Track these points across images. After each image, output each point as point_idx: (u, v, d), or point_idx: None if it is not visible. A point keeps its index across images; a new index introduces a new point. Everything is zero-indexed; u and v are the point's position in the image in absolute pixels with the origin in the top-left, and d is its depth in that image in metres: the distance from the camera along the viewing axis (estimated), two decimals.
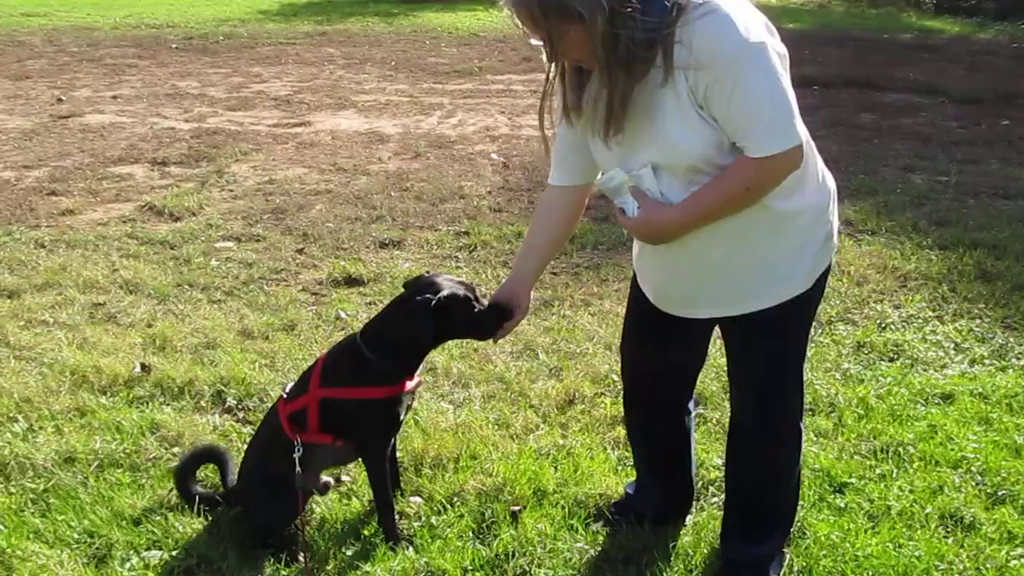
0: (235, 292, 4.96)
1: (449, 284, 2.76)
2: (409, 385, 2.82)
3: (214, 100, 10.13)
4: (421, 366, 2.87)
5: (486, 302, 2.80)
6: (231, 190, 6.87)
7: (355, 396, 2.80)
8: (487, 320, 2.77)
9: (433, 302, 2.66)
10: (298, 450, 2.75)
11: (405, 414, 2.93)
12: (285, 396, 2.90)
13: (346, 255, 5.48)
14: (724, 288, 2.46)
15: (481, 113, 9.44)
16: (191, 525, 2.97)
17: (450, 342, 4.13)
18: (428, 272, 2.92)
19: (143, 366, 4.02)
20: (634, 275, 2.75)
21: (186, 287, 5.02)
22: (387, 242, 5.70)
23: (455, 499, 3.09)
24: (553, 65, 2.28)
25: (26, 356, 4.17)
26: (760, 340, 2.55)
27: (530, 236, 2.80)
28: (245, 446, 3.22)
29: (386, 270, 5.24)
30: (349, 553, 2.86)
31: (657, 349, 2.77)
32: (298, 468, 2.74)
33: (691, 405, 2.98)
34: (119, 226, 6.05)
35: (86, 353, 4.17)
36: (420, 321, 2.68)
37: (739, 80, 2.13)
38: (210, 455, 3.21)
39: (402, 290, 2.92)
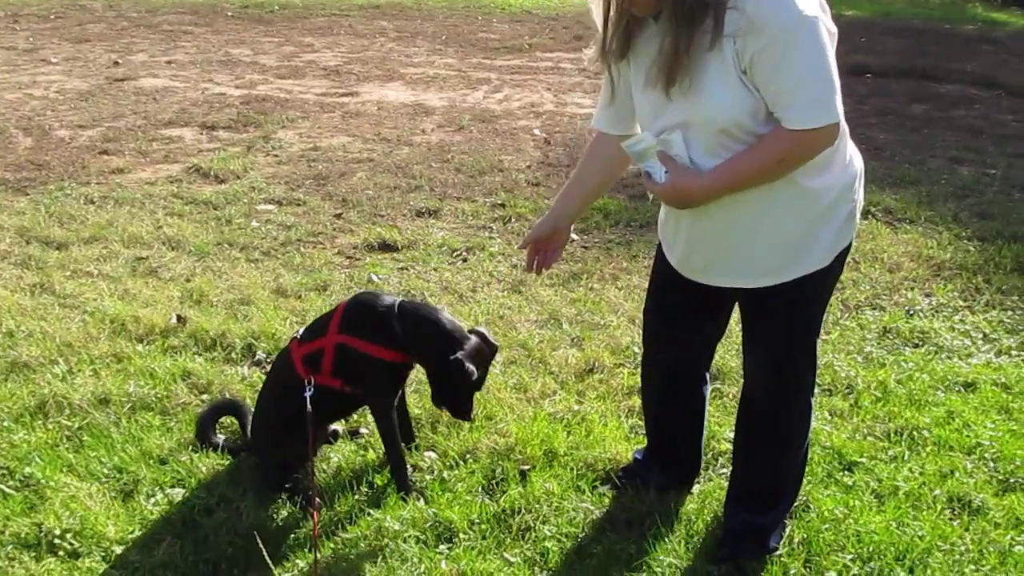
0: (272, 252, 5.09)
1: (479, 361, 2.89)
2: None
3: (265, 68, 10.29)
4: None
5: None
6: (276, 155, 7.01)
7: (370, 352, 2.90)
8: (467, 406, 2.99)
9: (465, 367, 2.83)
10: (309, 389, 2.85)
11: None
12: (299, 338, 3.00)
13: (383, 222, 5.58)
14: (744, 259, 2.49)
15: (527, 89, 9.47)
16: (213, 467, 3.10)
17: (478, 308, 4.24)
18: (480, 327, 3.05)
19: (179, 318, 4.16)
20: (659, 243, 2.79)
21: (226, 246, 5.16)
22: (424, 211, 5.79)
23: (468, 456, 3.17)
24: (613, 10, 2.29)
25: (70, 304, 4.34)
26: (775, 313, 2.59)
27: (577, 175, 2.81)
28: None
29: (420, 238, 5.33)
30: (362, 501, 2.97)
31: (678, 316, 2.83)
32: (309, 407, 2.82)
33: (708, 377, 3.02)
34: (166, 186, 6.22)
35: (126, 304, 4.32)
36: (449, 365, 2.84)
37: (788, 51, 2.16)
38: (229, 408, 3.36)
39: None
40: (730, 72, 2.22)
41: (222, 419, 3.38)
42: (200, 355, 3.88)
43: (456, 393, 2.95)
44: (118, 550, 2.73)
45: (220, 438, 3.25)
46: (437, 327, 2.91)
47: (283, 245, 5.19)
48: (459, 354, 2.82)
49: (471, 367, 2.82)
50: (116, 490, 3.01)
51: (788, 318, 2.60)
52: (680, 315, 2.82)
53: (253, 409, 3.24)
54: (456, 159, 6.89)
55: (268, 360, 3.85)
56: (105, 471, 3.09)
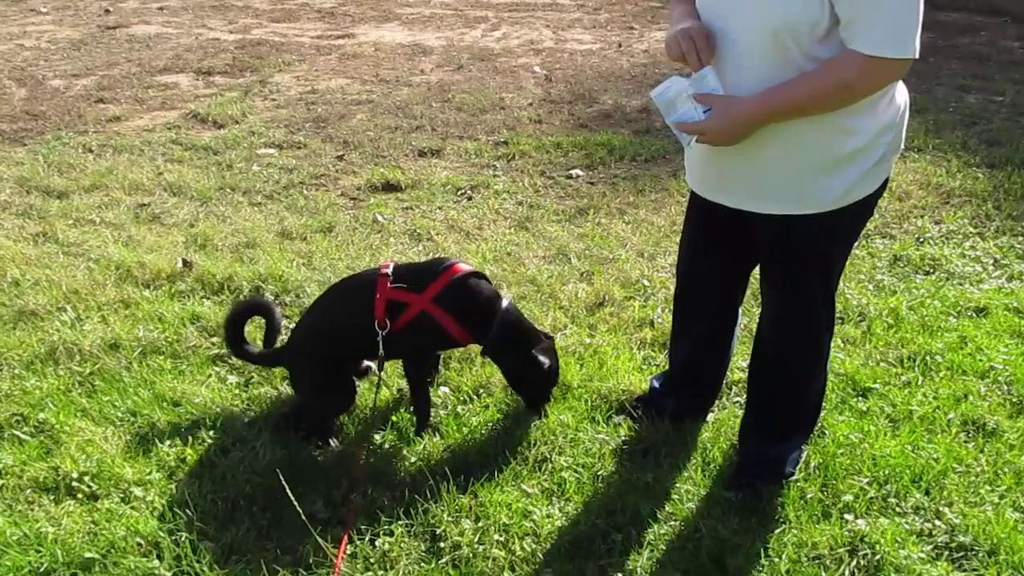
0: (275, 196, 5.04)
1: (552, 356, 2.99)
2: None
3: (259, 12, 10.11)
4: None
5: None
6: (274, 99, 6.92)
7: (452, 332, 2.86)
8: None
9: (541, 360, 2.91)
10: (382, 333, 2.81)
11: None
12: (389, 276, 2.88)
13: (385, 162, 5.53)
14: (764, 183, 2.40)
15: (526, 27, 9.31)
16: (228, 407, 3.10)
17: (485, 246, 4.21)
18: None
19: (185, 262, 4.13)
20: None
21: (228, 190, 5.11)
22: (426, 151, 5.73)
23: (481, 391, 3.17)
24: None
25: (74, 252, 4.31)
26: (790, 248, 2.51)
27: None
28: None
29: (424, 177, 5.27)
30: (377, 438, 2.97)
31: (710, 249, 2.78)
32: (381, 350, 2.80)
33: (740, 310, 2.98)
34: (164, 132, 6.14)
35: (131, 250, 4.29)
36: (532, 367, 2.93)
37: None
38: (258, 308, 3.19)
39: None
40: None
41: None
42: (208, 299, 3.86)
43: (536, 388, 3.01)
44: (137, 491, 2.74)
45: (252, 348, 3.12)
46: (522, 331, 2.94)
47: (286, 188, 5.14)
48: (547, 362, 2.91)
49: (548, 363, 2.92)
50: (131, 433, 3.01)
51: (802, 256, 2.52)
52: (713, 245, 2.76)
53: (290, 336, 3.14)
54: (457, 98, 6.80)
55: (277, 302, 3.83)
56: (119, 415, 3.09)
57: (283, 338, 3.23)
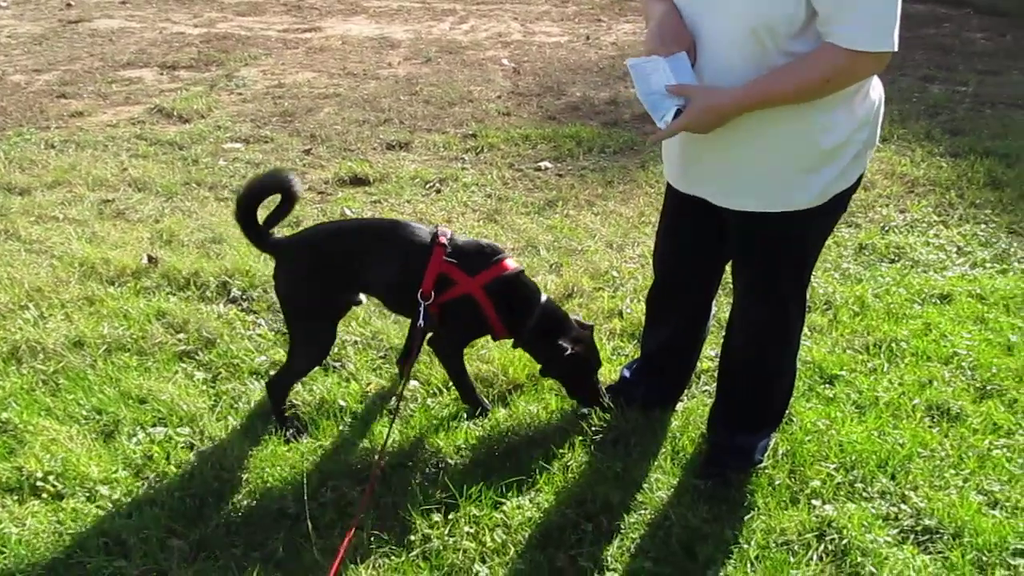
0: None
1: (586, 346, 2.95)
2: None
3: (224, 5, 10.01)
4: None
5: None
6: (240, 94, 6.85)
7: (490, 320, 2.84)
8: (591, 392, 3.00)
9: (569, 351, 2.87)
10: (423, 306, 2.76)
11: None
12: (445, 244, 2.80)
13: (353, 156, 5.49)
14: (741, 180, 2.40)
15: (494, 19, 9.29)
16: (195, 404, 3.07)
17: None
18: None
19: (150, 258, 4.09)
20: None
21: (194, 185, 5.06)
22: (394, 144, 5.70)
23: (450, 383, 3.16)
24: None
25: (36, 249, 4.25)
26: (764, 244, 2.51)
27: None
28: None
29: (392, 170, 5.25)
30: (347, 431, 2.96)
31: (686, 242, 2.78)
32: (421, 322, 2.76)
33: (714, 302, 3.00)
34: (128, 128, 6.07)
35: (95, 246, 4.24)
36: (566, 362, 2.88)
37: None
38: (277, 185, 2.85)
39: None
40: None
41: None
42: (174, 295, 3.82)
43: (581, 381, 2.98)
44: (103, 489, 2.71)
45: (274, 235, 2.87)
46: (559, 321, 2.93)
47: None
48: (568, 348, 2.85)
49: (574, 350, 2.86)
50: (96, 431, 2.97)
51: (776, 252, 2.53)
52: (688, 239, 2.77)
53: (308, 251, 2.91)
54: (425, 91, 6.77)
55: (244, 297, 3.81)
56: (84, 413, 3.04)
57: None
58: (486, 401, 3.06)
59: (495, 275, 2.83)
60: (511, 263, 2.90)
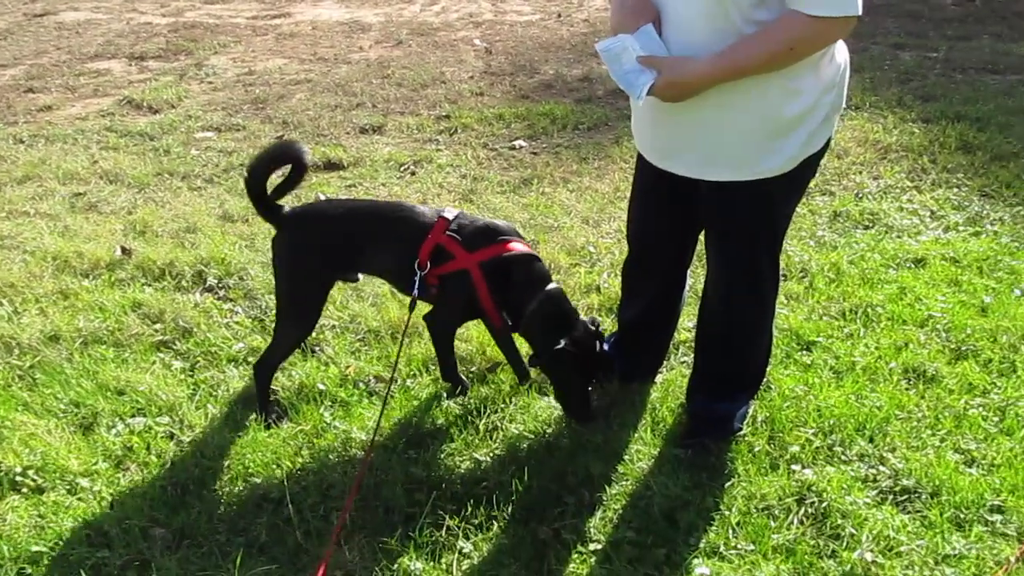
0: (215, 179, 4.96)
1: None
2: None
3: None
4: None
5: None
6: (210, 82, 6.79)
7: (483, 299, 2.78)
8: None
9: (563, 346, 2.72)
10: (420, 275, 2.73)
11: None
12: (449, 218, 2.77)
13: (326, 141, 5.46)
14: (706, 148, 2.41)
15: (465, 0, 9.23)
16: (173, 393, 3.06)
17: None
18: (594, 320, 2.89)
19: (124, 250, 4.06)
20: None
21: (166, 176, 5.02)
22: (367, 128, 5.67)
23: (430, 363, 3.16)
24: None
25: (8, 245, 4.20)
26: (737, 211, 2.52)
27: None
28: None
29: (366, 154, 5.22)
30: (327, 415, 2.95)
31: (659, 213, 2.78)
32: (416, 292, 2.74)
33: (688, 272, 3.01)
34: (98, 120, 6.00)
35: (68, 240, 4.20)
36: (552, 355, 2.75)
37: None
38: (288, 154, 2.85)
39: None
40: None
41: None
42: (149, 285, 3.80)
43: (567, 383, 2.82)
44: (83, 482, 2.70)
45: (283, 206, 2.85)
46: (561, 316, 2.81)
47: (225, 171, 5.05)
48: (561, 343, 2.71)
49: (566, 347, 2.72)
50: (75, 424, 2.95)
51: (749, 220, 2.54)
52: (662, 210, 2.77)
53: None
54: (397, 74, 6.73)
55: (220, 285, 3.79)
56: (62, 407, 3.03)
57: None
58: (465, 380, 3.05)
59: (495, 254, 2.77)
60: (518, 246, 2.81)
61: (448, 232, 2.75)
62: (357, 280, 3.11)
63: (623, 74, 2.31)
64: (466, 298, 2.80)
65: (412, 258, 2.75)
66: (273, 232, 2.89)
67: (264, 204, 2.83)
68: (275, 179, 2.85)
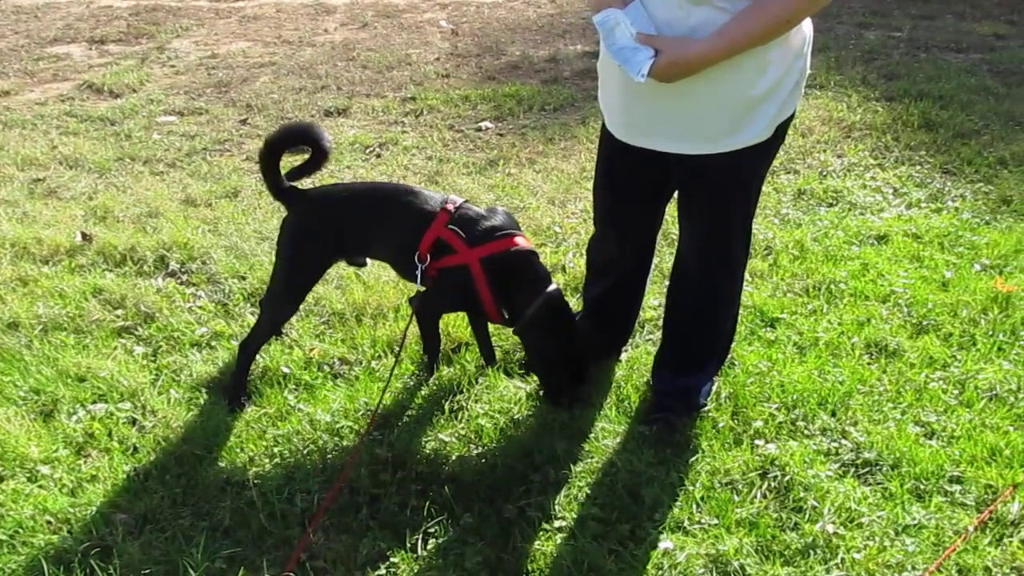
0: (178, 163, 4.90)
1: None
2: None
3: None
4: None
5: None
6: (172, 66, 6.69)
7: (482, 296, 2.73)
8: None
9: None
10: (421, 268, 2.71)
11: None
12: (451, 211, 2.73)
13: None
14: (684, 122, 2.41)
15: None
16: (135, 379, 3.02)
17: None
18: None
19: (84, 235, 4.00)
20: (603, 119, 2.69)
21: (127, 161, 4.95)
22: (332, 110, 5.62)
23: (395, 344, 3.15)
24: None
25: None
26: (713, 183, 2.54)
27: None
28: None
29: (331, 137, 5.17)
30: (291, 398, 2.93)
31: (627, 189, 2.77)
32: (419, 285, 2.73)
33: (654, 247, 3.00)
34: (57, 105, 5.90)
35: (27, 226, 4.13)
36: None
37: None
38: (302, 135, 2.87)
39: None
40: None
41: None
42: (110, 271, 3.74)
43: (557, 377, 2.81)
44: (44, 469, 2.66)
45: (294, 187, 2.83)
46: (563, 319, 2.79)
47: (188, 155, 4.99)
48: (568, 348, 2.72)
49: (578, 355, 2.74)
50: (35, 411, 2.91)
51: (725, 189, 2.55)
52: (629, 188, 2.76)
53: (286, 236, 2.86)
54: (362, 56, 6.67)
55: (183, 270, 3.74)
56: (21, 394, 2.98)
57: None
58: (435, 365, 3.03)
59: (497, 249, 2.71)
60: (521, 241, 2.75)
61: (450, 226, 2.71)
62: (365, 264, 3.10)
63: (618, 49, 2.29)
64: (460, 290, 2.76)
65: (413, 250, 2.72)
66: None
67: (275, 183, 2.81)
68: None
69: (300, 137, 2.86)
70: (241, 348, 2.94)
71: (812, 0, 2.19)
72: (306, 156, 2.84)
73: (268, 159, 2.79)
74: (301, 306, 3.07)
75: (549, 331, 2.76)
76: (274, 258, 2.94)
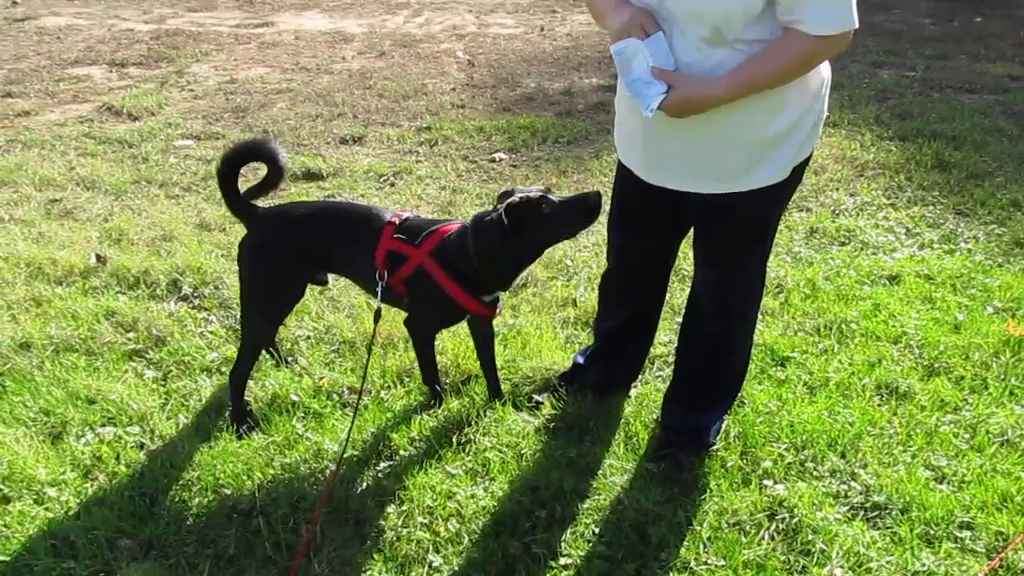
0: (193, 187, 4.94)
1: (521, 191, 2.72)
2: (498, 310, 2.85)
3: (174, 1, 9.87)
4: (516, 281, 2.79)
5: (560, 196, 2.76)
6: (191, 90, 6.77)
7: (448, 288, 2.73)
8: (572, 211, 2.70)
9: (501, 214, 2.63)
10: (381, 285, 2.72)
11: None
12: (396, 223, 2.77)
13: (306, 151, 5.45)
14: (700, 160, 2.43)
15: (449, 12, 9.26)
16: (145, 402, 3.03)
17: None
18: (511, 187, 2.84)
19: (98, 257, 4.02)
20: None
21: (144, 183, 4.99)
22: (348, 138, 5.66)
23: (404, 375, 3.15)
24: None
25: None
26: (729, 222, 2.55)
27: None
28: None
29: (346, 165, 5.22)
30: (299, 426, 2.93)
31: (641, 225, 2.79)
32: (379, 303, 2.74)
33: (667, 281, 3.00)
34: (76, 126, 5.97)
35: (42, 247, 4.16)
36: (497, 238, 2.67)
37: None
38: (256, 151, 2.88)
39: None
40: None
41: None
42: (123, 293, 3.77)
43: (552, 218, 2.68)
44: (50, 491, 2.66)
45: (255, 206, 2.87)
46: (481, 232, 2.70)
47: (204, 180, 5.03)
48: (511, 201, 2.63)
49: (522, 195, 2.64)
50: (44, 433, 2.92)
51: (740, 229, 2.57)
52: (644, 224, 2.78)
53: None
54: (379, 85, 6.73)
55: (195, 294, 3.76)
56: (31, 415, 2.99)
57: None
58: (442, 392, 3.03)
59: (438, 238, 2.75)
60: (451, 226, 2.79)
61: (396, 236, 2.75)
62: (326, 282, 3.10)
63: (632, 80, 2.31)
64: (432, 295, 2.76)
65: (370, 265, 2.76)
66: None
67: (234, 200, 2.85)
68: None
69: (255, 154, 2.88)
70: (230, 378, 2.95)
71: (826, 46, 2.20)
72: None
73: (225, 175, 2.82)
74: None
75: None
76: (238, 281, 2.93)
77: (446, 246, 2.74)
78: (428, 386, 3.01)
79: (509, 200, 2.67)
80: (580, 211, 2.69)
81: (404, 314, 2.92)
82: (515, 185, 2.77)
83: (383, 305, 2.83)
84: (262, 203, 2.94)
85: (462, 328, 3.39)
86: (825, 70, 2.45)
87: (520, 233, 2.65)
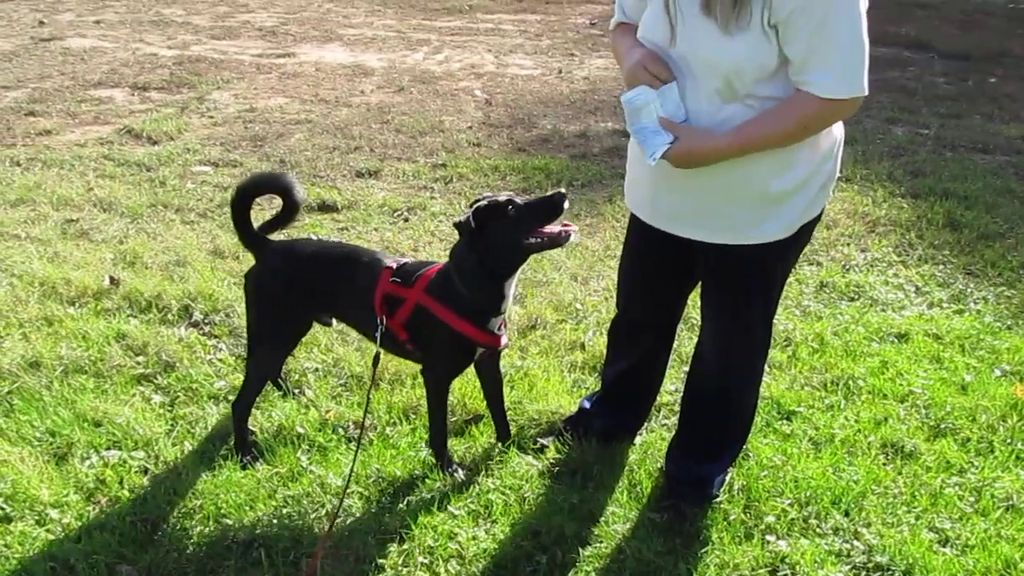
0: (209, 214, 4.98)
1: (490, 196, 2.72)
2: (503, 341, 2.83)
3: (198, 28, 10.01)
4: (507, 304, 2.76)
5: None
6: (211, 117, 6.85)
7: (452, 323, 2.71)
8: (536, 212, 2.68)
9: (469, 216, 2.63)
10: (380, 329, 2.73)
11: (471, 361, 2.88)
12: (394, 267, 2.80)
13: (322, 182, 5.50)
14: (707, 210, 2.46)
15: (468, 51, 9.36)
16: (151, 428, 3.04)
17: None
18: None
19: (112, 279, 4.06)
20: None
21: (160, 207, 5.04)
22: (364, 171, 5.72)
23: (410, 412, 3.16)
24: None
25: None
26: (734, 274, 2.57)
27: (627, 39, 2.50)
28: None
29: (361, 198, 5.26)
30: (304, 459, 2.94)
31: (651, 274, 2.81)
32: (379, 348, 2.75)
33: (676, 332, 3.03)
34: (96, 147, 6.04)
35: (56, 266, 4.20)
36: (467, 244, 2.67)
37: (831, 15, 2.13)
38: (272, 184, 2.94)
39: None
40: (755, 25, 2.16)
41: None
42: (135, 317, 3.79)
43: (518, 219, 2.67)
44: (53, 513, 2.67)
45: (267, 239, 2.92)
46: (458, 244, 2.73)
47: (219, 206, 5.07)
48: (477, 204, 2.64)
49: (488, 199, 2.65)
50: (49, 453, 2.93)
51: (748, 281, 2.58)
52: (654, 272, 2.81)
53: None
54: (396, 120, 6.80)
55: (206, 321, 3.78)
56: (37, 435, 3.00)
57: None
58: (454, 464, 2.91)
59: (428, 278, 2.76)
60: (438, 265, 2.82)
61: (392, 280, 2.78)
62: (330, 324, 3.12)
63: (639, 129, 2.35)
64: (438, 330, 2.74)
65: (369, 310, 2.78)
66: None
67: (246, 232, 2.89)
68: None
69: (271, 186, 2.91)
70: (233, 409, 2.96)
71: (834, 110, 2.23)
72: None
73: (239, 206, 2.86)
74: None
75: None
76: (245, 313, 2.95)
77: (436, 279, 2.77)
78: (434, 450, 2.90)
79: (476, 202, 2.70)
80: (544, 211, 2.69)
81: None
82: (485, 192, 2.78)
83: (382, 351, 2.84)
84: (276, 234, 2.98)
85: (469, 370, 3.41)
86: (838, 130, 2.46)
87: (487, 233, 2.63)
